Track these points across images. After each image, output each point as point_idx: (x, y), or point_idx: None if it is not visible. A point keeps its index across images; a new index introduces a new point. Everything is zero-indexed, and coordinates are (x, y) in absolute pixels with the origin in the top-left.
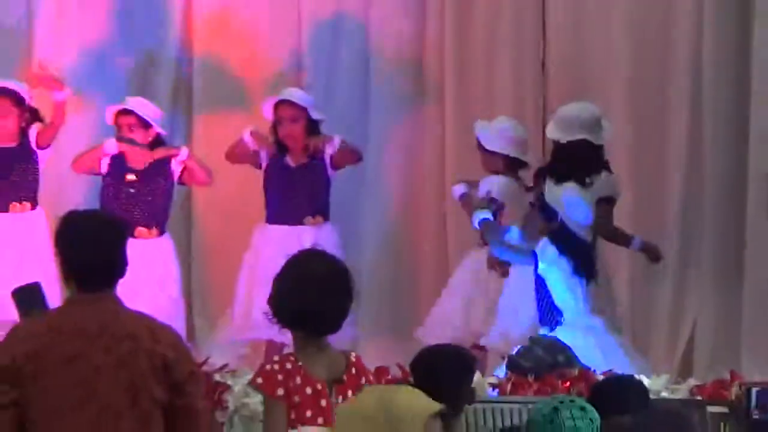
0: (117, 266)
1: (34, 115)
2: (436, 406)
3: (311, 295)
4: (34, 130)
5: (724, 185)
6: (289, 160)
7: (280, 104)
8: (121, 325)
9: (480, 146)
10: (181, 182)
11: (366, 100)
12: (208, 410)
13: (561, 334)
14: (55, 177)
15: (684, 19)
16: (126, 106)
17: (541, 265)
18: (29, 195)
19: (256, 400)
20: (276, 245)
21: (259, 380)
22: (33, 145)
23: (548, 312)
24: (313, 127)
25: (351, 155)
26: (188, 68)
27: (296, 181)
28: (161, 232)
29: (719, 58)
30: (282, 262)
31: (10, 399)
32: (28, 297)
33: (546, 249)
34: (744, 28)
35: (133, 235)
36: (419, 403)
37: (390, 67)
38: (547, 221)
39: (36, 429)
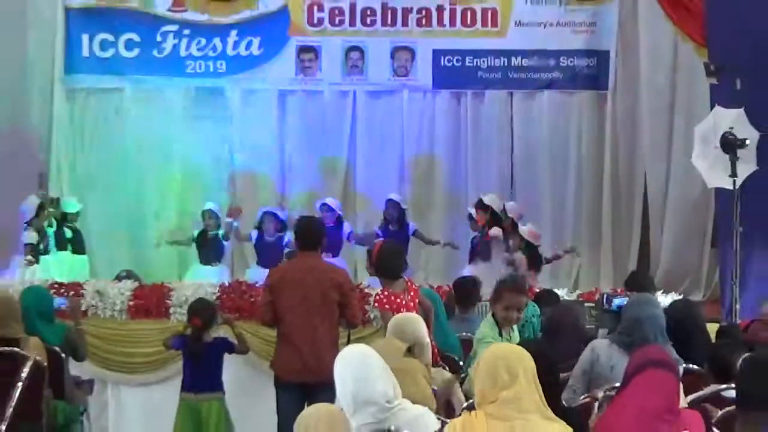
0: (319, 242)
1: None
2: None
3: (388, 261)
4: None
5: (591, 206)
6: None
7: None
8: (319, 266)
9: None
10: None
11: None
12: (358, 306)
13: None
14: None
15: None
16: None
17: None
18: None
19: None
20: None
21: (376, 304)
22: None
23: None
24: None
25: None
26: None
27: None
28: None
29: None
30: None
31: (270, 300)
32: None
33: None
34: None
35: None
36: None
37: None
38: None
39: (280, 318)
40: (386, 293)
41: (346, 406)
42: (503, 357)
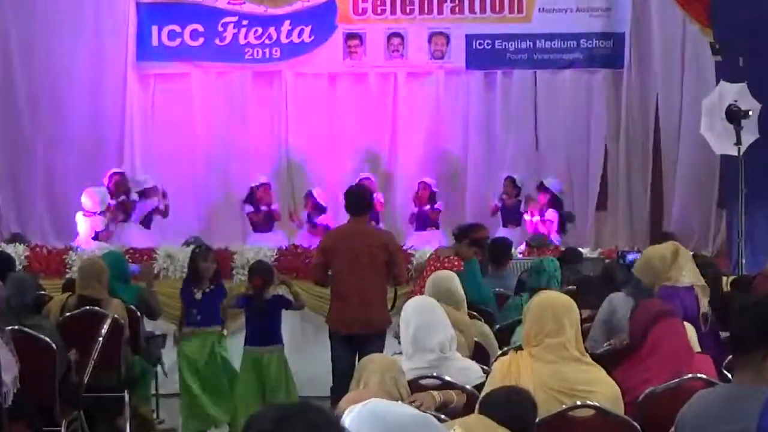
0: (367, 208)
1: None
2: None
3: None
4: None
5: (609, 174)
6: None
7: None
8: (368, 230)
9: None
10: None
11: None
12: (403, 264)
13: None
14: None
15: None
16: None
17: None
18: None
19: (423, 260)
20: None
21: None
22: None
23: None
24: None
25: None
26: None
27: None
28: None
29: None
30: None
31: (321, 261)
32: None
33: None
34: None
35: None
36: None
37: None
38: None
39: (334, 277)
40: (436, 257)
41: (405, 350)
42: (552, 306)
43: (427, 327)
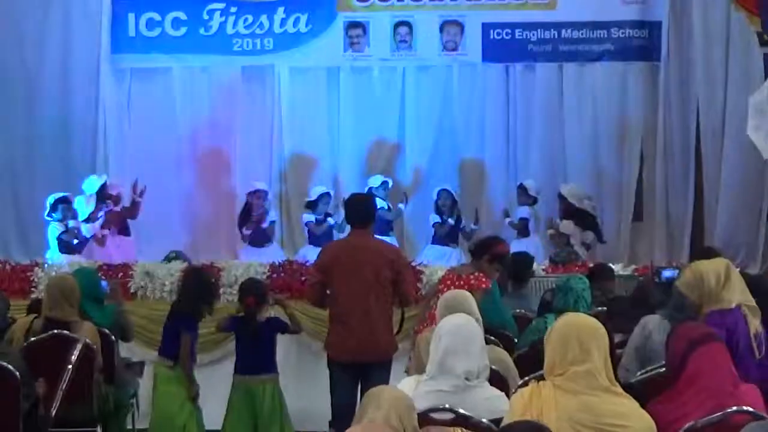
0: (371, 218)
1: None
2: None
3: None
4: None
5: (645, 179)
6: None
7: None
8: (371, 243)
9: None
10: None
11: None
12: (412, 283)
13: None
14: None
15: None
16: None
17: None
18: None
19: (434, 278)
20: None
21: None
22: None
23: None
24: None
25: None
26: None
27: None
28: None
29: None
30: None
31: (320, 279)
32: None
33: None
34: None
35: None
36: None
37: None
38: None
39: (332, 294)
40: (457, 275)
41: (429, 369)
42: (577, 330)
43: (458, 351)
